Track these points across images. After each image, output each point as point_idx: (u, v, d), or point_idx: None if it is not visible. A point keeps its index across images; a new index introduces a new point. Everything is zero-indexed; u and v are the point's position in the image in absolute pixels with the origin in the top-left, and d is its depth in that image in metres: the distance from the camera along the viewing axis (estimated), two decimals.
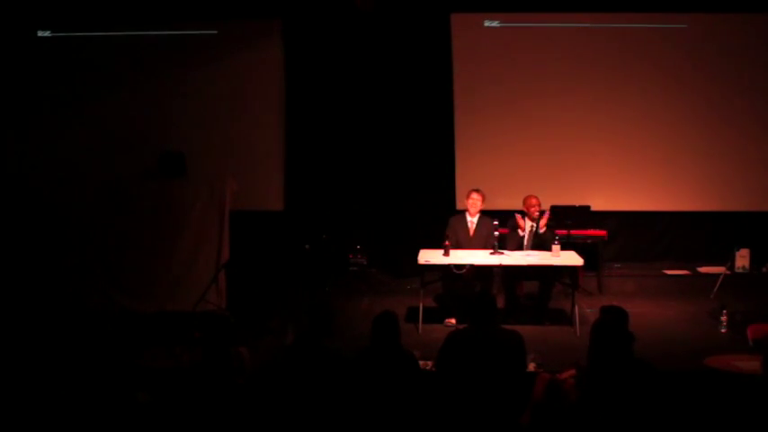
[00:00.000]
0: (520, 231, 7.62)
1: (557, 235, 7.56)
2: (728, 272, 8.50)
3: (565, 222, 8.33)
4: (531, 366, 5.53)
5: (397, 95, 9.62)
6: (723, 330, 6.97)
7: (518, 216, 7.67)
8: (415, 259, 7.25)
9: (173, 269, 7.82)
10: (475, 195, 7.66)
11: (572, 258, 7.30)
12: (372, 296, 8.52)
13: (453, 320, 7.34)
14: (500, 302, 7.47)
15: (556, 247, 7.26)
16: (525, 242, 7.67)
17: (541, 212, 7.65)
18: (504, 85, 9.62)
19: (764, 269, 8.75)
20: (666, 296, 8.52)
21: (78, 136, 9.66)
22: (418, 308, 7.28)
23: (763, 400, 4.69)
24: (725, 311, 7.01)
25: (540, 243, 7.55)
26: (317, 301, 7.99)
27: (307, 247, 9.38)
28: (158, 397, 4.78)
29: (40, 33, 9.88)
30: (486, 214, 7.73)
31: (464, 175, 9.57)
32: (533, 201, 7.66)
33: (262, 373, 4.67)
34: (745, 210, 9.40)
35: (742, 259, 8.64)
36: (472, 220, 7.70)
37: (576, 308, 7.19)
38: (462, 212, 7.86)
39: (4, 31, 9.69)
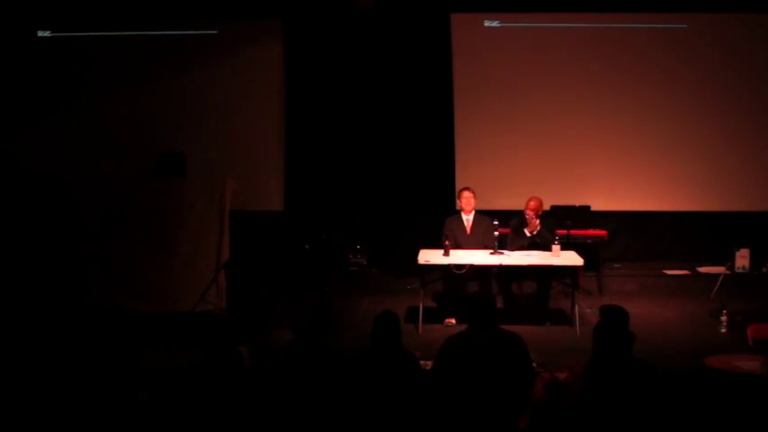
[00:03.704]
0: (526, 231, 7.60)
1: (557, 235, 7.56)
2: (728, 272, 8.49)
3: (565, 222, 8.33)
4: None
5: (397, 95, 9.62)
6: (723, 330, 6.97)
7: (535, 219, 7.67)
8: (415, 259, 7.25)
9: (173, 269, 7.82)
10: (467, 193, 7.68)
11: (572, 258, 7.30)
12: (372, 296, 8.51)
13: (453, 320, 7.35)
14: (498, 302, 7.50)
15: (556, 248, 7.26)
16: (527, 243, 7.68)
17: (539, 216, 7.63)
18: (504, 85, 9.63)
19: (764, 269, 8.75)
20: (666, 296, 8.51)
21: (78, 136, 9.67)
22: (418, 308, 7.28)
23: (763, 400, 4.69)
24: (725, 311, 7.01)
25: (537, 244, 7.55)
26: (317, 301, 7.99)
27: (307, 247, 9.39)
28: (158, 397, 4.78)
29: (40, 33, 9.89)
30: (482, 213, 7.74)
31: (464, 175, 9.56)
32: (530, 203, 7.63)
33: (262, 373, 4.66)
34: (745, 210, 9.41)
35: (742, 259, 8.62)
36: (468, 219, 7.71)
37: (576, 308, 7.20)
38: (458, 212, 7.86)
39: (4, 31, 9.69)
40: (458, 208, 7.92)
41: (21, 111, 9.74)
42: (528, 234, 7.60)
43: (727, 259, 8.60)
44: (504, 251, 7.38)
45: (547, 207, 8.42)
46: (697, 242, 9.50)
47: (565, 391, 4.45)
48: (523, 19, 9.58)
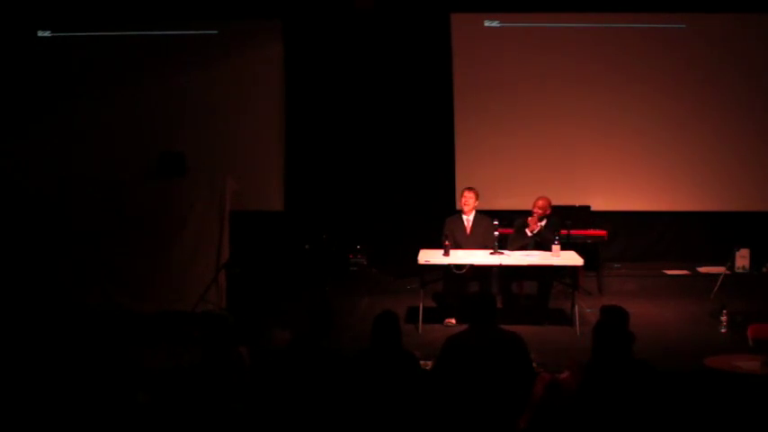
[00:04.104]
0: (528, 231, 7.60)
1: (557, 235, 7.56)
2: (728, 272, 8.49)
3: (565, 222, 8.33)
4: None
5: (397, 95, 9.63)
6: (723, 330, 6.95)
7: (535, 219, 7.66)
8: (415, 259, 7.25)
9: (173, 269, 7.81)
10: (467, 194, 7.66)
11: (572, 258, 7.30)
12: (372, 296, 8.51)
13: (453, 320, 7.34)
14: (498, 302, 7.49)
15: (556, 248, 7.25)
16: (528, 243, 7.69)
17: (543, 217, 7.62)
18: (504, 85, 9.63)
19: (764, 269, 8.75)
20: (666, 296, 8.50)
21: (78, 136, 9.67)
22: (418, 308, 7.27)
23: (764, 400, 4.69)
24: (725, 311, 7.00)
25: (537, 244, 7.56)
26: (317, 301, 7.99)
27: (307, 247, 9.39)
28: (158, 397, 4.78)
29: (40, 33, 9.89)
30: (482, 213, 7.74)
31: (464, 175, 9.57)
32: (538, 202, 7.63)
33: (262, 373, 4.66)
34: (745, 210, 9.41)
35: (742, 259, 8.64)
36: (468, 219, 7.70)
37: (576, 308, 7.19)
38: (458, 212, 7.87)
39: (4, 31, 9.69)
40: (458, 208, 7.92)
41: (21, 111, 9.74)
42: (528, 234, 7.60)
43: (727, 259, 8.61)
44: (504, 251, 7.38)
45: None
46: (697, 242, 9.50)
47: (565, 392, 4.46)
48: (523, 19, 9.59)
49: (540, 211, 7.56)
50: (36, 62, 9.85)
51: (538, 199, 7.61)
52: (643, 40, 9.43)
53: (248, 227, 8.79)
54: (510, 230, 7.76)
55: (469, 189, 7.71)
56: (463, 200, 7.68)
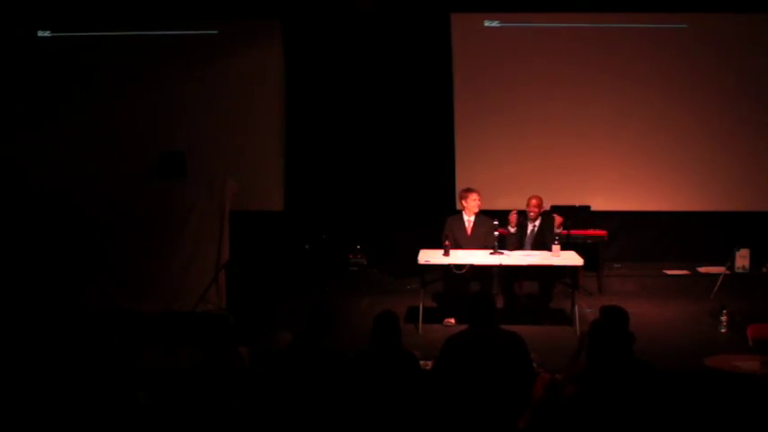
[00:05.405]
0: (510, 228, 7.64)
1: (557, 235, 7.57)
2: (728, 272, 8.50)
3: (565, 222, 8.34)
4: None
5: (397, 96, 9.63)
6: (723, 330, 6.97)
7: (513, 213, 7.69)
8: (415, 259, 7.25)
9: (173, 269, 7.81)
10: (475, 195, 7.64)
11: (572, 258, 7.31)
12: (372, 296, 8.52)
13: (453, 320, 7.35)
14: (499, 302, 7.50)
15: (556, 247, 7.26)
16: (526, 242, 7.70)
17: (541, 214, 7.65)
18: (504, 85, 9.63)
19: (764, 269, 8.75)
20: (666, 296, 8.52)
21: (78, 136, 9.67)
22: (418, 308, 7.28)
23: (763, 400, 4.69)
24: (725, 311, 7.01)
25: (538, 243, 7.57)
26: (317, 301, 7.98)
27: (307, 247, 9.39)
28: (158, 397, 4.78)
29: (40, 33, 9.89)
30: (483, 213, 7.74)
31: (464, 175, 9.57)
32: (532, 201, 7.67)
33: (262, 373, 4.66)
34: (745, 210, 9.41)
35: (742, 259, 8.64)
36: (470, 219, 7.70)
37: (576, 308, 7.20)
38: (459, 212, 7.86)
39: (4, 31, 9.70)
40: (459, 208, 7.90)
41: (21, 111, 9.73)
42: (511, 230, 7.66)
43: (727, 259, 8.61)
44: (504, 251, 7.38)
45: (547, 207, 8.44)
46: (697, 242, 9.49)
47: (564, 392, 4.46)
48: (523, 19, 9.59)
49: (536, 210, 7.60)
50: (36, 62, 9.85)
51: (531, 198, 7.67)
52: (644, 41, 9.43)
53: (248, 227, 8.78)
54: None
55: (474, 191, 7.67)
56: (472, 202, 7.61)
